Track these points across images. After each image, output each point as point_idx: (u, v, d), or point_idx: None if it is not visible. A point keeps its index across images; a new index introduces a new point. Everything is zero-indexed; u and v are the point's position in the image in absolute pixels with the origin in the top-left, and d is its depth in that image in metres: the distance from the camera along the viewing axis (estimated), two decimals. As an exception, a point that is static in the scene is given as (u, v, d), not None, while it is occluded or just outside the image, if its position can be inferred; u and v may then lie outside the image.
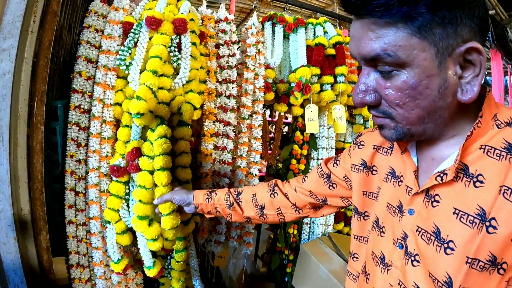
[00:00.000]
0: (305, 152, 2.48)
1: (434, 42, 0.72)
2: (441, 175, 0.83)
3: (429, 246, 0.83)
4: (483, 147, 0.79)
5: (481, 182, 0.77)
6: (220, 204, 1.54)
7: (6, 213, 1.63)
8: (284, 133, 2.93)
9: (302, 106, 2.37)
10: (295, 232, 2.49)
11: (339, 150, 2.61)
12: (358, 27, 0.79)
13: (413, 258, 0.88)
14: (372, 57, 0.77)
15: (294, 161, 2.46)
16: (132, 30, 1.86)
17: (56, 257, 1.88)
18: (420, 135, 0.84)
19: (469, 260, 0.75)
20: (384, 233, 1.00)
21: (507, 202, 0.72)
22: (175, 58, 1.84)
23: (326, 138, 2.50)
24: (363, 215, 1.12)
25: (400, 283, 0.90)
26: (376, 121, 0.87)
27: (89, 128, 1.91)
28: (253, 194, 1.52)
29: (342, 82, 2.45)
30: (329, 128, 2.52)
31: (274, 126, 3.76)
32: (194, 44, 1.91)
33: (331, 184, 1.32)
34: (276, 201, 1.48)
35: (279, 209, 1.48)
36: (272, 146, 3.25)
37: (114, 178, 1.79)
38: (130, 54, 1.83)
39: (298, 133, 2.49)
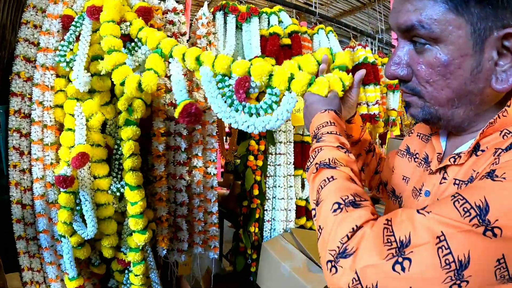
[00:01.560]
0: (262, 147, 2.41)
1: (471, 21, 0.72)
2: (456, 157, 0.85)
3: None
4: (503, 131, 0.77)
5: (483, 151, 0.79)
6: None
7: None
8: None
9: (258, 99, 2.29)
10: (256, 230, 2.44)
11: (297, 144, 2.57)
12: None
13: None
14: (407, 27, 0.78)
15: (251, 158, 2.40)
16: (73, 24, 1.72)
17: (11, 273, 1.79)
18: (449, 121, 0.84)
19: None
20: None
21: (487, 159, 0.75)
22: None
23: (284, 132, 2.45)
24: (398, 198, 1.14)
25: None
26: (405, 97, 0.89)
27: (30, 134, 1.77)
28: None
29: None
30: (287, 120, 2.46)
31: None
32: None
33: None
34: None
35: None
36: (228, 142, 3.18)
37: (61, 189, 1.65)
38: (71, 49, 1.70)
39: (254, 128, 2.40)
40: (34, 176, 1.76)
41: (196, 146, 2.10)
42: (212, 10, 2.37)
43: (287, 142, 2.47)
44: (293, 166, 2.51)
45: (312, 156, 1.04)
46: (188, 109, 1.32)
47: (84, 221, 1.73)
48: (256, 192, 2.38)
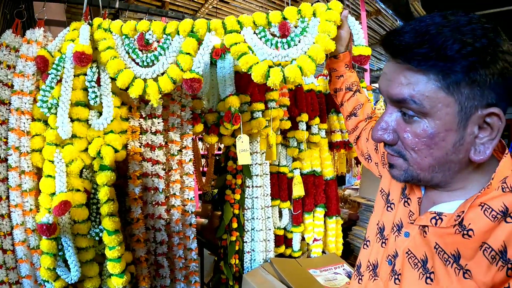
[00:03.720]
0: (239, 181, 2.44)
1: (460, 100, 0.78)
2: (437, 218, 0.91)
3: (413, 271, 0.91)
4: (482, 204, 0.83)
5: (470, 236, 0.82)
6: None
7: None
8: (217, 158, 2.88)
9: (233, 135, 2.32)
10: (237, 261, 2.46)
11: (273, 175, 2.63)
12: (392, 67, 0.86)
13: (396, 276, 0.96)
14: (398, 100, 0.84)
15: (229, 192, 2.42)
16: (53, 67, 1.73)
17: None
18: (427, 182, 0.91)
19: None
20: (385, 244, 1.08)
21: (484, 258, 0.79)
22: (93, 95, 1.75)
23: (260, 164, 2.47)
24: (390, 204, 1.16)
25: None
26: (390, 159, 0.94)
27: (8, 179, 1.76)
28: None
29: (273, 108, 2.44)
30: (262, 153, 2.49)
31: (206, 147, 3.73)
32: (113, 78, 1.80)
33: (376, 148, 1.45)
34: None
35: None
36: (206, 172, 3.19)
37: (44, 237, 1.65)
38: (51, 94, 1.71)
39: (230, 162, 2.43)
40: (14, 222, 1.75)
41: (174, 185, 2.11)
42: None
43: (263, 174, 2.50)
44: (270, 197, 2.54)
45: None
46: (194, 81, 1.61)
47: (66, 265, 1.73)
48: (235, 225, 2.41)
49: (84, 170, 1.82)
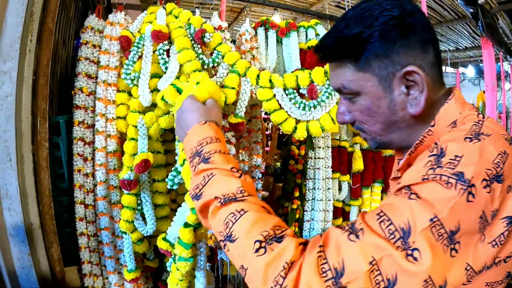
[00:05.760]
0: (302, 152, 2.57)
1: (375, 73, 0.96)
2: (396, 173, 1.11)
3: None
4: (432, 148, 0.90)
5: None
6: None
7: (19, 230, 1.74)
8: (280, 133, 3.00)
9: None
10: (297, 229, 2.59)
11: (335, 149, 2.70)
12: (329, 66, 1.08)
13: None
14: (336, 89, 1.06)
15: (292, 162, 2.56)
16: (135, 44, 1.94)
17: (68, 267, 1.98)
18: (393, 144, 1.08)
19: None
20: None
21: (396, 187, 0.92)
22: (162, 61, 1.92)
23: (322, 137, 2.57)
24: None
25: None
26: (361, 135, 1.13)
27: (94, 142, 2.01)
28: None
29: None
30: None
31: (271, 125, 3.86)
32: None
33: None
34: None
35: None
36: (269, 146, 3.32)
37: (125, 191, 1.87)
38: (133, 68, 1.92)
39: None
40: (98, 179, 1.99)
41: (243, 152, 2.28)
42: (253, 25, 2.55)
43: (325, 147, 2.59)
44: (331, 169, 2.63)
45: (201, 181, 1.06)
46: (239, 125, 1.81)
47: (143, 219, 1.95)
48: (296, 194, 2.54)
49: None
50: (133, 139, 1.90)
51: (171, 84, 1.65)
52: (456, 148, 0.82)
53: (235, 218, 0.93)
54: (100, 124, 1.98)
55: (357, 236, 0.79)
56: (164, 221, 2.01)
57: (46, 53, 1.84)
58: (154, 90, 1.90)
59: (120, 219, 1.92)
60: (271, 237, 0.86)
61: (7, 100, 1.71)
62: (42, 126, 1.83)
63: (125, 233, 1.92)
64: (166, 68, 1.88)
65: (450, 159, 0.80)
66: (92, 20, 2.04)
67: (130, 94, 1.98)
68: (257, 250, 0.84)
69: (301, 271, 0.78)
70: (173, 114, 1.68)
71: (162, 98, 1.60)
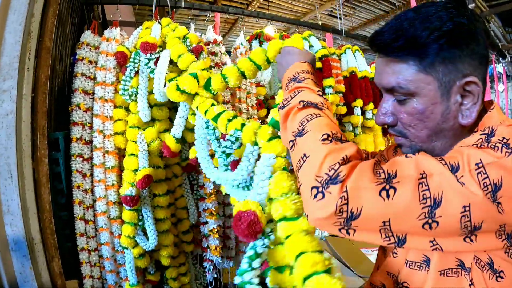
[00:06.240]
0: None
1: (437, 78, 0.91)
2: None
3: None
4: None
5: None
6: None
7: (21, 244, 1.76)
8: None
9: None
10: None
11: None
12: (380, 62, 1.01)
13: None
14: (389, 88, 0.98)
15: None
16: (131, 60, 1.97)
17: (69, 280, 1.99)
18: (431, 152, 0.98)
19: None
20: None
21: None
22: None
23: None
24: None
25: None
26: (396, 140, 1.07)
27: (92, 158, 2.03)
28: None
29: (330, 94, 2.62)
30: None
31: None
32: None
33: None
34: None
35: None
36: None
37: (127, 207, 1.90)
38: (130, 83, 1.94)
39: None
40: (97, 195, 2.02)
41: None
42: (247, 39, 2.59)
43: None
44: None
45: (291, 94, 1.13)
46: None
47: (145, 234, 1.97)
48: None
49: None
50: (133, 154, 1.93)
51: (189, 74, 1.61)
52: (505, 132, 0.86)
53: (311, 118, 1.01)
54: (98, 141, 2.01)
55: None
56: (165, 235, 2.04)
57: (44, 71, 1.87)
58: (155, 105, 1.93)
59: (120, 234, 1.94)
60: (337, 137, 0.94)
61: (7, 118, 1.73)
62: (42, 142, 1.85)
63: (127, 248, 1.94)
64: (153, 71, 1.91)
65: (499, 139, 0.84)
66: (88, 36, 2.07)
67: (127, 110, 2.00)
68: (323, 140, 0.92)
69: (357, 165, 0.84)
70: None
71: (178, 88, 1.58)
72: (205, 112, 1.55)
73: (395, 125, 1.03)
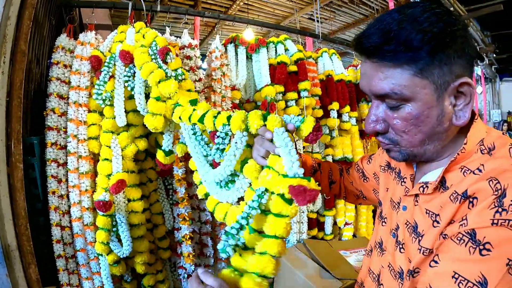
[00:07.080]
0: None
1: (433, 80, 0.89)
2: (424, 186, 1.04)
3: (410, 238, 1.03)
4: (462, 168, 0.95)
5: (446, 188, 0.97)
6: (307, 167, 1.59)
7: (-4, 251, 1.74)
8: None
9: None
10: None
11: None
12: (368, 67, 0.96)
13: (400, 246, 1.07)
14: (382, 94, 0.94)
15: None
16: (106, 64, 1.96)
17: (46, 287, 1.96)
18: (421, 156, 1.01)
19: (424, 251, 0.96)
20: (385, 223, 1.21)
21: (451, 204, 0.92)
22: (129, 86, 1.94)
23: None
24: (381, 205, 1.31)
25: (390, 265, 1.11)
26: (383, 146, 1.06)
27: (67, 163, 2.02)
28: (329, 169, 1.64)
29: (306, 97, 2.64)
30: (297, 140, 2.65)
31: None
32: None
33: (364, 178, 1.52)
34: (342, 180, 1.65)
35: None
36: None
37: (100, 213, 1.88)
38: (104, 88, 1.93)
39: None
40: (72, 201, 2.00)
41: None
42: (223, 42, 2.60)
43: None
44: None
45: None
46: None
47: (119, 240, 1.96)
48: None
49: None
50: (106, 159, 1.92)
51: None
52: None
53: None
54: (72, 146, 2.00)
55: None
56: (140, 241, 2.03)
57: (19, 75, 1.84)
58: (131, 110, 1.93)
59: (93, 240, 1.93)
60: None
61: (-19, 123, 1.70)
62: (16, 147, 1.83)
63: (101, 255, 1.93)
64: (132, 88, 1.90)
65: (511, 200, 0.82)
66: (63, 40, 2.07)
67: (101, 114, 2.00)
68: None
69: None
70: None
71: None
72: (189, 118, 1.55)
73: (386, 132, 1.01)
